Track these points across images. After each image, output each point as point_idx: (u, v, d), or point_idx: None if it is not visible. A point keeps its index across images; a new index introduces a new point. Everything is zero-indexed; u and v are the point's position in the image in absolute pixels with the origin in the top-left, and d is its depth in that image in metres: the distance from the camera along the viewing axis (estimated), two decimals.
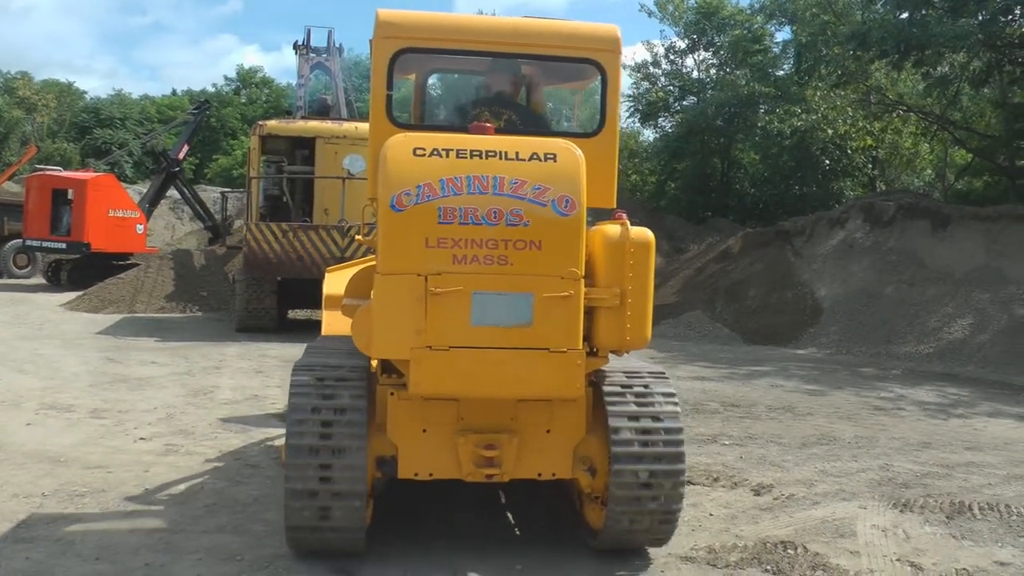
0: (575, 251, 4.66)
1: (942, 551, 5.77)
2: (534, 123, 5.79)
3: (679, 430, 5.03)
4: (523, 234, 4.59)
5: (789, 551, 5.56)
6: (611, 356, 5.23)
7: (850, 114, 29.52)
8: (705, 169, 34.75)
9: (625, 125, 45.08)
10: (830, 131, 29.69)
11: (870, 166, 32.03)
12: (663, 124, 38.70)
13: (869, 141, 29.99)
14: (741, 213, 32.58)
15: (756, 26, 35.14)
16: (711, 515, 6.30)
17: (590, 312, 4.87)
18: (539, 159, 4.66)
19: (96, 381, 11.07)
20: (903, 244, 20.21)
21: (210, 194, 34.87)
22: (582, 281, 4.69)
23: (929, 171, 34.00)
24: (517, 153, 4.66)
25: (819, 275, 20.53)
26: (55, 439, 7.94)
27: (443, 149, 4.63)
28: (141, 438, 8.12)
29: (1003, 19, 22.22)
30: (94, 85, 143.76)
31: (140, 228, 27.26)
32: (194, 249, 25.37)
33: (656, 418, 5.01)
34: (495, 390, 4.75)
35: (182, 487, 6.57)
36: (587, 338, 4.91)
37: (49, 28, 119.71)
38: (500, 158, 4.63)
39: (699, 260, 24.03)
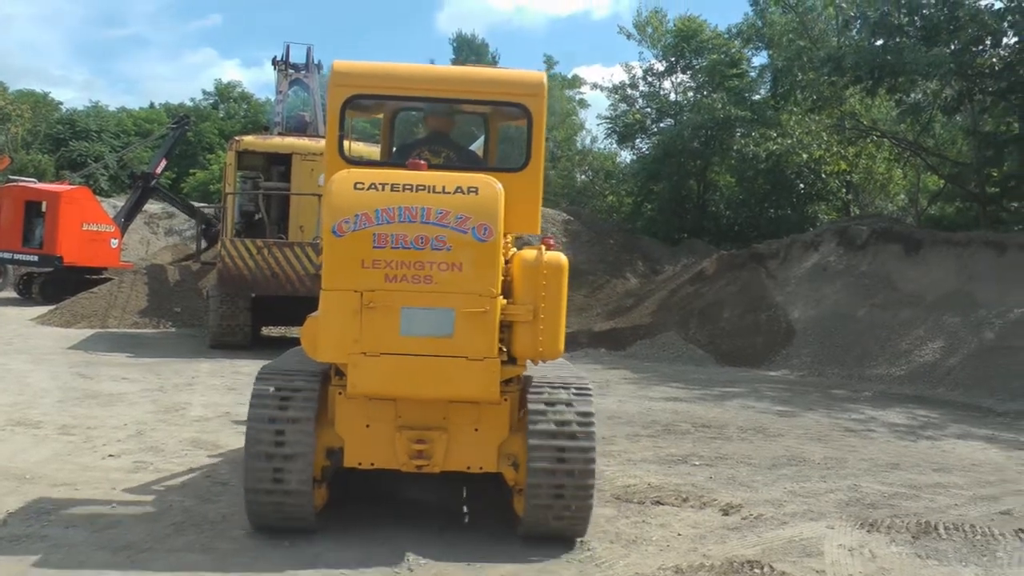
0: (492, 272, 5.39)
1: (907, 570, 5.83)
2: (469, 158, 6.57)
3: (591, 434, 5.62)
4: (446, 257, 5.34)
5: (756, 570, 5.60)
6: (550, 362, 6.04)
7: (825, 139, 29.81)
8: (681, 191, 34.93)
9: (602, 146, 45.46)
10: (805, 155, 29.98)
11: (844, 190, 32.36)
12: (640, 146, 38.93)
13: (843, 166, 30.31)
14: (716, 235, 32.76)
15: (733, 50, 35.45)
16: (679, 535, 6.33)
17: (510, 325, 5.56)
18: (462, 192, 5.41)
19: (66, 397, 10.98)
20: (876, 268, 20.41)
21: None
22: (498, 298, 5.41)
23: (902, 196, 34.37)
24: (443, 187, 5.42)
25: (792, 297, 20.67)
26: (22, 456, 7.86)
27: (380, 183, 5.42)
28: (110, 455, 8.05)
29: (974, 49, 22.61)
30: (70, 96, 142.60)
31: (114, 242, 27.04)
32: (168, 264, 25.22)
33: (568, 418, 5.62)
34: (420, 391, 5.52)
35: (150, 505, 6.53)
36: (507, 348, 5.57)
37: (25, 37, 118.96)
38: (428, 191, 5.39)
39: (674, 281, 24.14)
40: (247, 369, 13.91)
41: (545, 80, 6.22)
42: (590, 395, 5.80)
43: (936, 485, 8.39)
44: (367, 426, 5.76)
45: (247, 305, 16.73)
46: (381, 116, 7.71)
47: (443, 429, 5.72)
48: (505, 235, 5.89)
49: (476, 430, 5.78)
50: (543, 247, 5.66)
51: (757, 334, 19.68)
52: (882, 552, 6.17)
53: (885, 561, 5.97)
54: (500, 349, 5.50)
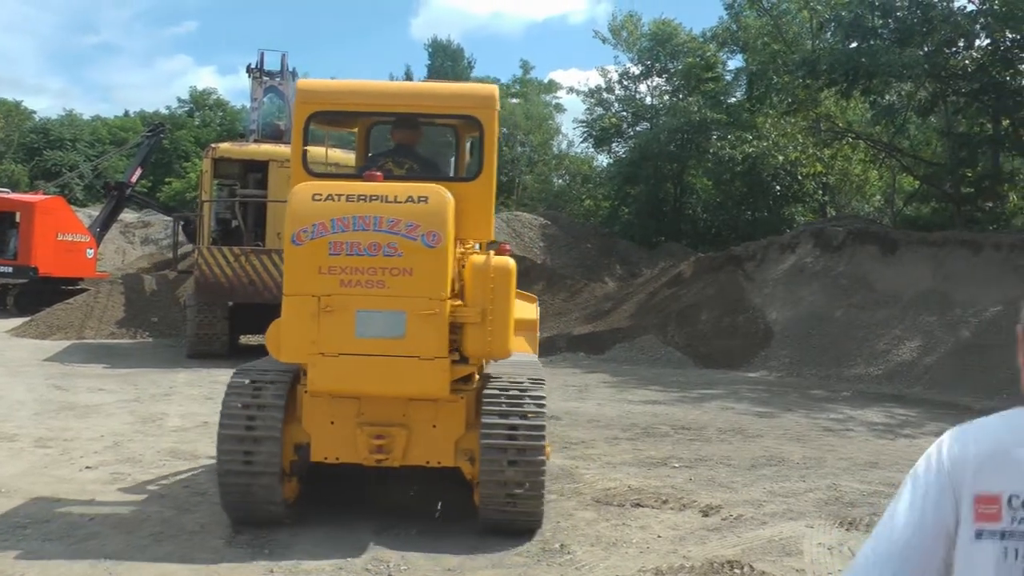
0: (440, 276, 5.70)
1: None
2: (431, 169, 6.84)
3: (541, 427, 5.89)
4: (397, 263, 5.65)
5: (736, 571, 5.62)
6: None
7: (800, 141, 30.05)
8: (658, 194, 35.08)
9: (579, 150, 45.58)
10: (781, 157, 30.20)
11: (820, 192, 32.61)
12: (616, 149, 39.12)
13: (819, 168, 30.55)
14: (693, 238, 32.94)
15: (708, 54, 35.69)
16: (659, 537, 6.34)
17: (461, 326, 5.85)
18: (413, 201, 5.72)
19: (42, 409, 10.88)
20: (852, 268, 20.55)
21: (162, 217, 34.46)
22: (447, 301, 5.71)
23: (878, 197, 34.68)
24: (396, 197, 5.73)
25: (770, 299, 20.78)
26: None
27: (336, 195, 5.76)
28: (87, 467, 7.99)
29: (947, 51, 22.86)
30: (44, 105, 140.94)
31: (90, 252, 26.86)
32: (145, 274, 25.03)
33: (522, 416, 5.88)
34: (375, 389, 5.87)
35: (128, 516, 6.48)
36: (458, 348, 5.86)
37: None
38: (381, 201, 5.71)
39: (651, 284, 24.19)
40: (225, 378, 13.66)
41: (496, 93, 6.49)
42: (543, 393, 6.08)
43: None
44: (332, 423, 6.07)
45: (224, 314, 16.64)
46: (356, 129, 7.98)
47: (402, 426, 6.01)
48: (465, 242, 6.39)
49: (434, 427, 6.05)
50: (492, 252, 6.04)
51: (735, 336, 19.76)
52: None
53: None
54: (452, 349, 5.81)
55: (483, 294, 5.88)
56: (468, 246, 6.63)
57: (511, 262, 6.05)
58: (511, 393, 6.01)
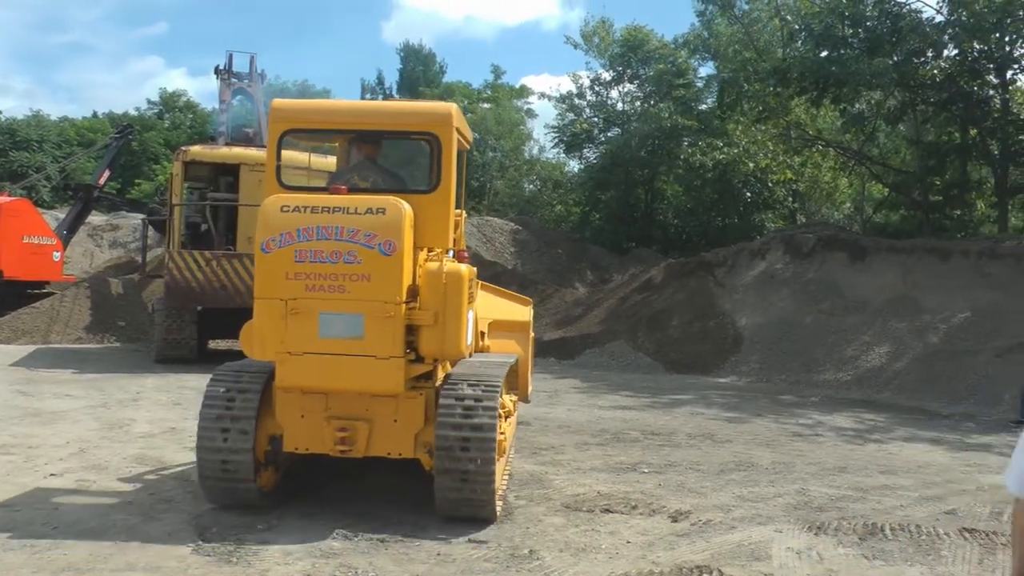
0: (396, 282, 6.18)
1: (854, 571, 5.91)
2: (395, 181, 7.17)
3: (492, 426, 6.29)
4: (356, 269, 6.17)
5: (704, 575, 5.63)
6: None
7: (771, 148, 30.22)
8: (629, 200, 35.15)
9: (550, 155, 45.63)
10: (751, 164, 30.36)
11: (790, 199, 32.84)
12: (588, 155, 39.14)
13: (789, 175, 30.76)
14: (664, 244, 33.02)
15: (680, 60, 35.84)
16: (629, 542, 6.35)
17: (417, 328, 6.34)
18: (372, 212, 6.24)
19: (6, 415, 10.72)
20: (822, 275, 20.72)
21: (131, 220, 34.15)
22: (402, 305, 6.20)
23: (848, 204, 34.97)
24: (356, 208, 6.26)
25: (740, 305, 20.91)
26: None
27: (303, 206, 6.31)
28: (52, 474, 7.88)
29: (916, 60, 23.15)
30: (10, 105, 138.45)
31: (57, 255, 26.44)
32: (112, 277, 24.76)
33: (474, 412, 6.29)
34: (336, 385, 6.37)
35: (93, 524, 6.39)
36: (415, 348, 6.36)
37: None
38: (343, 212, 6.24)
39: (622, 290, 24.28)
40: (193, 384, 13.69)
41: (453, 110, 6.91)
42: (497, 391, 6.50)
43: (883, 487, 8.52)
44: (302, 416, 6.57)
45: (193, 318, 16.50)
46: (337, 144, 8.46)
47: (366, 419, 6.51)
48: (430, 249, 6.83)
49: (395, 421, 6.52)
50: (447, 259, 6.51)
51: (705, 342, 19.86)
52: (829, 554, 6.25)
53: (832, 563, 6.05)
54: (410, 349, 6.33)
55: (436, 298, 6.37)
56: (435, 253, 6.97)
57: (463, 268, 6.51)
58: (466, 389, 6.44)
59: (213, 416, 6.51)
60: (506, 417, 8.27)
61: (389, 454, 6.60)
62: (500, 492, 6.87)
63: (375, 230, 6.19)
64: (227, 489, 6.61)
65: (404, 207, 6.29)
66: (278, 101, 7.15)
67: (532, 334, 10.85)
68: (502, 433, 6.70)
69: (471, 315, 6.77)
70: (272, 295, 6.28)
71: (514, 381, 9.00)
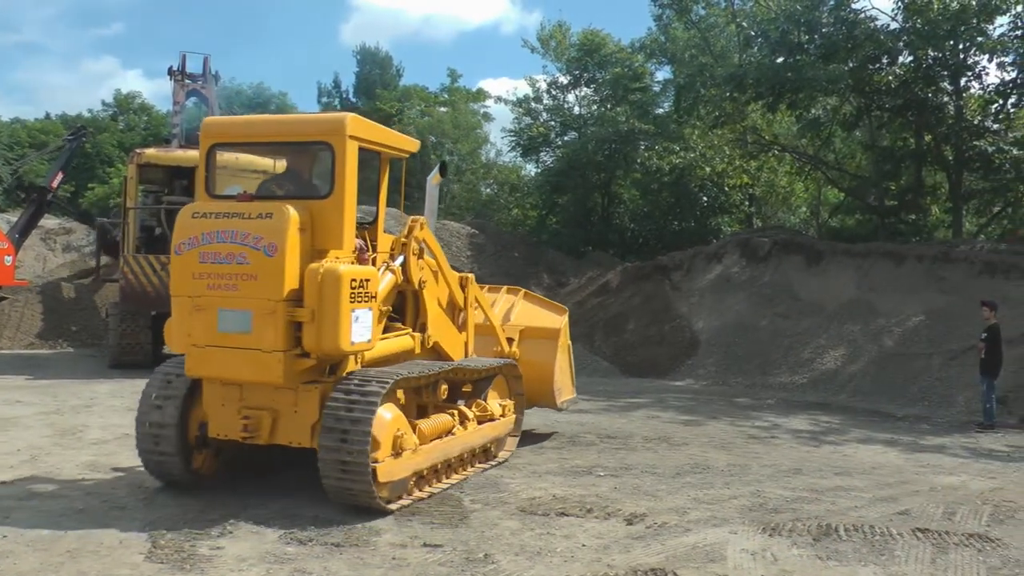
0: (277, 281, 6.75)
1: (808, 572, 5.99)
2: (301, 189, 7.71)
3: (368, 420, 6.66)
4: (246, 270, 6.81)
5: None
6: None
7: (727, 153, 30.43)
8: (586, 204, 35.17)
9: (507, 159, 45.58)
10: (708, 169, 30.58)
11: (747, 203, 33.12)
12: (544, 159, 39.06)
13: (745, 179, 31.01)
14: (621, 248, 33.09)
15: (637, 64, 35.95)
16: (584, 546, 6.38)
17: (301, 325, 6.81)
18: (261, 217, 6.86)
19: None
20: (778, 278, 20.94)
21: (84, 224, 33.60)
22: (284, 303, 6.75)
23: (804, 209, 35.33)
24: (249, 214, 6.91)
25: (696, 308, 21.07)
26: None
27: (209, 212, 7.04)
28: (2, 482, 7.78)
29: (871, 67, 23.46)
30: None
31: (8, 260, 25.99)
32: (65, 281, 24.38)
33: (355, 405, 6.73)
34: (230, 375, 7.04)
35: (44, 533, 6.30)
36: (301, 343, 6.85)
37: None
38: (240, 218, 6.91)
39: (579, 294, 24.33)
40: None
41: (347, 120, 7.26)
42: (384, 388, 6.88)
43: (837, 488, 8.64)
44: (222, 405, 7.24)
45: (148, 323, 16.32)
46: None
47: (270, 409, 7.09)
48: (363, 251, 7.39)
49: (295, 412, 7.08)
50: (330, 260, 6.92)
51: (662, 345, 20.00)
52: (784, 555, 6.32)
53: (787, 564, 6.13)
54: (297, 344, 6.82)
55: (314, 297, 6.78)
56: (370, 255, 7.57)
57: (343, 269, 6.85)
58: (355, 384, 6.89)
59: (151, 395, 7.39)
60: (485, 421, 8.65)
61: (290, 443, 7.13)
62: (422, 491, 7.53)
63: (262, 233, 6.79)
64: (160, 462, 7.41)
65: (289, 212, 6.84)
66: (210, 119, 8.00)
67: (568, 341, 11.04)
68: (403, 432, 7.12)
69: (368, 313, 7.05)
70: (182, 293, 7.04)
71: (517, 386, 9.78)
